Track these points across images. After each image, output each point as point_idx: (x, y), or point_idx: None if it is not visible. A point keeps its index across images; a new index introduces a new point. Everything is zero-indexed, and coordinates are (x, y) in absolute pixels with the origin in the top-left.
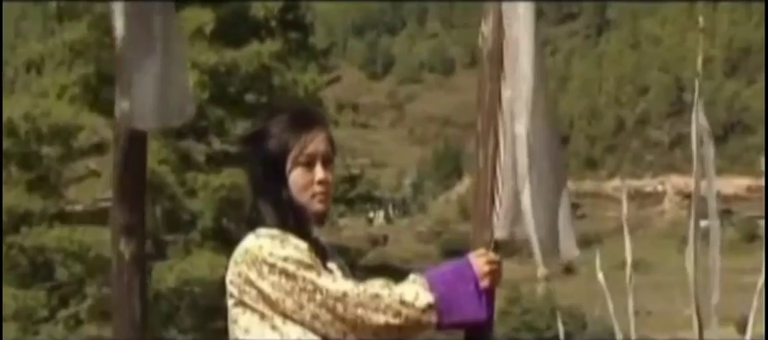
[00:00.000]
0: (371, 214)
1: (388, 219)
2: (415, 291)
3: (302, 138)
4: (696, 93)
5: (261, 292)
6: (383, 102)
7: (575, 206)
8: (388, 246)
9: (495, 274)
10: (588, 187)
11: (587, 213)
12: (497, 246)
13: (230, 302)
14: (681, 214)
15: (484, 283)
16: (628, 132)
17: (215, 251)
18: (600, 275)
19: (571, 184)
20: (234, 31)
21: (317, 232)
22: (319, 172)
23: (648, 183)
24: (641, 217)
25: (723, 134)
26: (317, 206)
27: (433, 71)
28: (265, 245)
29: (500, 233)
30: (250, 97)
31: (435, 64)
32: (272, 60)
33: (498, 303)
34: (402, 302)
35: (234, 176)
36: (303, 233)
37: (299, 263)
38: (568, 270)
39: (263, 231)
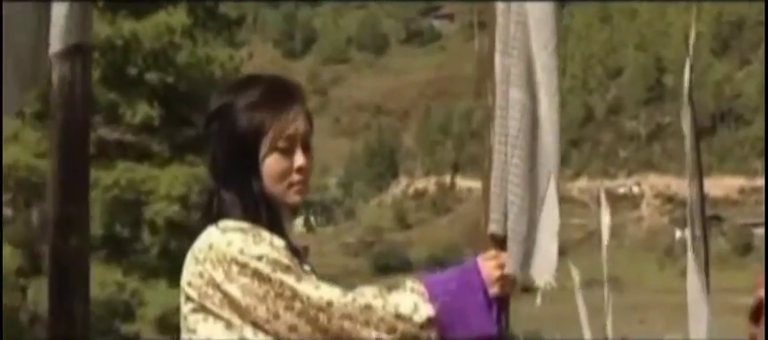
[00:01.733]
0: None
1: (308, 226)
2: (413, 303)
3: (281, 118)
4: (687, 74)
5: (227, 296)
6: (303, 85)
7: None
8: (309, 260)
9: (507, 280)
10: None
11: None
12: (502, 242)
13: (187, 308)
14: (661, 222)
15: (494, 291)
16: (597, 123)
17: (105, 263)
18: (578, 295)
19: None
20: None
21: (288, 228)
22: (299, 157)
23: (622, 184)
24: (614, 224)
25: (711, 125)
26: (293, 198)
27: (361, 49)
28: (235, 240)
29: (494, 227)
30: (152, 76)
31: (365, 40)
32: (181, 34)
33: None
34: (397, 316)
35: (129, 172)
36: (277, 229)
37: (276, 263)
38: (526, 288)
39: (230, 224)
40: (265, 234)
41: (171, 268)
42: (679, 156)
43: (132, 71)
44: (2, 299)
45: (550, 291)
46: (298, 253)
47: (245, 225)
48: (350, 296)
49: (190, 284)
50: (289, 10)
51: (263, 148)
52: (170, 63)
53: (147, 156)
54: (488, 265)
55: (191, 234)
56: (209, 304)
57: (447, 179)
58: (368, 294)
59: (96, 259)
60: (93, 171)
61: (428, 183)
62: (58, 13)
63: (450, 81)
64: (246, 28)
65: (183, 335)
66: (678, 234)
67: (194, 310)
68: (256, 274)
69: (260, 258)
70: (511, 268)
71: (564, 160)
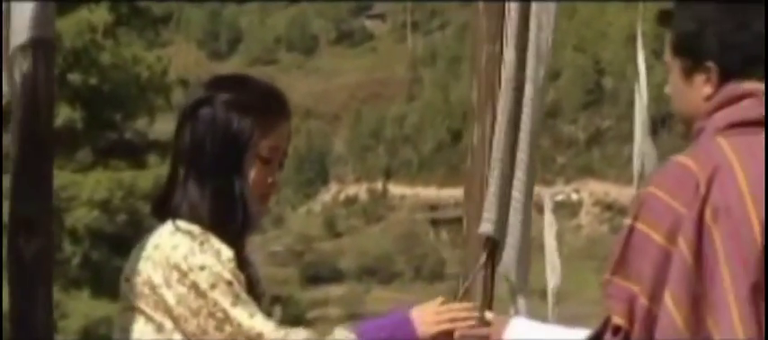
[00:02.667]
0: None
1: None
2: None
3: (275, 128)
4: (641, 74)
5: (162, 301)
6: None
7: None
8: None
9: (444, 324)
10: None
11: None
12: (494, 245)
13: (120, 306)
14: (600, 230)
15: (424, 331)
16: None
17: None
18: (520, 302)
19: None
20: None
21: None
22: (276, 173)
23: (560, 191)
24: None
25: (651, 129)
26: (262, 207)
27: (290, 50)
28: (181, 245)
29: (484, 227)
30: (74, 77)
31: (294, 41)
32: (104, 32)
33: None
34: None
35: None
36: (238, 238)
37: (217, 278)
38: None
39: (182, 225)
40: (215, 242)
41: (93, 278)
42: (619, 162)
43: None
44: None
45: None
46: (250, 265)
47: (196, 229)
48: (282, 332)
49: (127, 280)
50: (213, 8)
51: (250, 152)
52: (93, 63)
53: (68, 160)
54: (427, 320)
55: (113, 243)
56: (142, 304)
57: (379, 185)
58: (301, 334)
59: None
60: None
61: (359, 190)
62: (19, 6)
63: (383, 83)
64: (169, 27)
65: (116, 334)
66: None
67: (126, 309)
68: (194, 287)
69: (202, 269)
70: (511, 273)
71: None
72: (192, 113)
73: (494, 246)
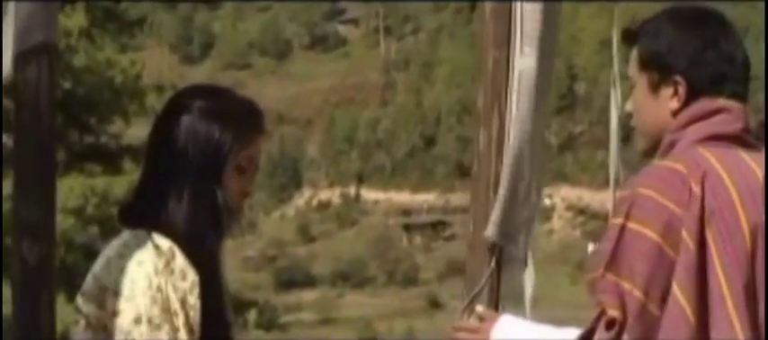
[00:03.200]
0: None
1: None
2: None
3: (252, 139)
4: (615, 79)
5: (116, 313)
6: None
7: (442, 224)
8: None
9: None
10: (458, 201)
11: (457, 233)
12: (500, 251)
13: (77, 322)
14: (573, 235)
15: None
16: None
17: None
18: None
19: (437, 198)
20: None
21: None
22: (250, 183)
23: None
24: None
25: (623, 135)
26: (238, 218)
27: (263, 54)
28: (147, 262)
29: (490, 231)
30: None
31: (267, 45)
32: (78, 35)
33: None
34: None
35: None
36: (215, 248)
37: (165, 312)
38: (434, 303)
39: (155, 238)
40: (180, 261)
41: (67, 285)
42: (591, 166)
43: None
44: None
45: (459, 306)
46: (223, 286)
47: (165, 244)
48: None
49: (83, 294)
50: (186, 12)
51: (230, 163)
52: (67, 67)
53: None
54: None
55: (86, 249)
56: (98, 312)
57: (352, 190)
58: None
59: None
60: None
61: (332, 195)
62: (22, 11)
63: (356, 88)
64: (142, 31)
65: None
66: (591, 247)
67: (77, 323)
68: (144, 313)
69: (159, 291)
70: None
71: None
72: (171, 121)
73: (500, 252)
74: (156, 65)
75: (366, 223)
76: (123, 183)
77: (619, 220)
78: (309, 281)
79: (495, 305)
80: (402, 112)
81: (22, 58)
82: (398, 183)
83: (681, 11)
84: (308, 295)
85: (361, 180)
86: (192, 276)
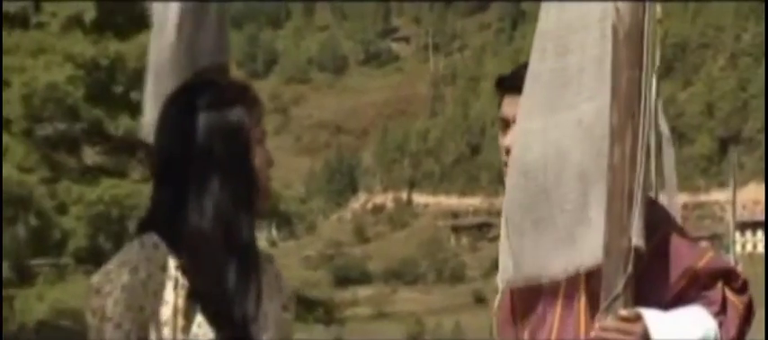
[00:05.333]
0: None
1: (270, 241)
2: None
3: (256, 110)
4: (652, 91)
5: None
6: (265, 104)
7: (487, 226)
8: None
9: None
10: (502, 204)
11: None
12: (638, 256)
13: None
14: None
15: None
16: None
17: (90, 276)
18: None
19: (482, 202)
20: (116, 20)
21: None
22: (267, 151)
23: None
24: None
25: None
26: (268, 191)
27: (322, 70)
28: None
29: (638, 239)
30: (136, 95)
31: (325, 61)
32: None
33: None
34: None
35: (114, 188)
36: (249, 235)
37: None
38: (479, 299)
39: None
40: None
41: None
42: None
43: (117, 89)
44: None
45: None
46: (255, 263)
47: (154, 240)
48: None
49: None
50: (251, 32)
51: (252, 140)
52: None
53: (130, 172)
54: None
55: None
56: None
57: (404, 195)
58: None
59: (81, 271)
60: (78, 187)
61: (386, 199)
62: (197, 31)
63: (407, 101)
64: None
65: None
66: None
67: None
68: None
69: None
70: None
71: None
72: (183, 122)
73: (638, 258)
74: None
75: (417, 225)
76: None
77: None
78: (364, 279)
79: (632, 306)
80: (450, 123)
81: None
82: (447, 188)
83: None
84: (363, 291)
85: (412, 185)
86: (169, 296)
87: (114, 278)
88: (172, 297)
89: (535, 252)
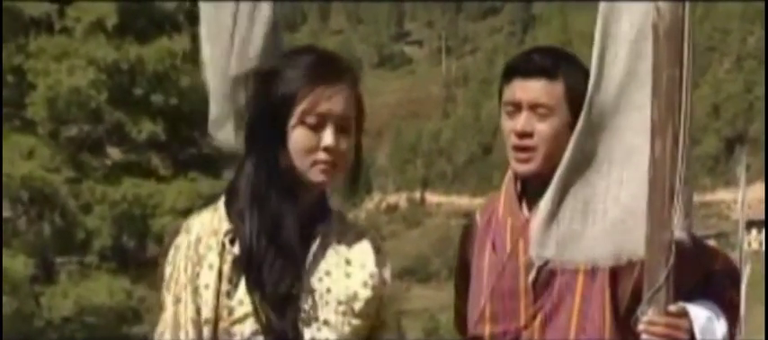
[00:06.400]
0: None
1: None
2: None
3: (317, 92)
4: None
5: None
6: None
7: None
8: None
9: None
10: None
11: None
12: (679, 250)
13: None
14: None
15: None
16: None
17: (114, 274)
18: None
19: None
20: (136, 24)
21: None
22: (328, 137)
23: None
24: None
25: None
26: (318, 176)
27: None
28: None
29: (680, 232)
30: (157, 98)
31: None
32: (182, 58)
33: (414, 334)
34: None
35: (137, 187)
36: (284, 208)
37: (183, 258)
38: None
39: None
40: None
41: None
42: None
43: (138, 92)
44: (1, 306)
45: None
46: (294, 240)
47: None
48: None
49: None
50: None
51: (293, 119)
52: (173, 86)
53: (153, 172)
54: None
55: None
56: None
57: (417, 194)
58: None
59: (106, 269)
60: (102, 187)
61: (399, 199)
62: (257, 35)
63: (420, 102)
64: None
65: None
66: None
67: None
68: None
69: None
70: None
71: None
72: (245, 93)
73: (678, 251)
74: None
75: (430, 224)
76: (224, 186)
77: None
78: None
79: (671, 303)
80: (462, 124)
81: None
82: (459, 187)
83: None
84: None
85: (425, 185)
86: (219, 228)
87: (173, 233)
88: (216, 262)
89: (583, 238)
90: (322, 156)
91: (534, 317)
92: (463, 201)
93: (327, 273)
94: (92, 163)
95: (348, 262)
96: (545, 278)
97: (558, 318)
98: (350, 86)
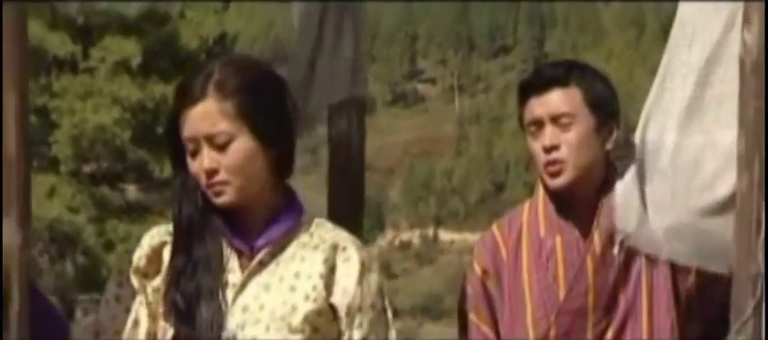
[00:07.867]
0: None
1: None
2: None
3: (184, 116)
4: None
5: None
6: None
7: None
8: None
9: None
10: None
11: None
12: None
13: None
14: None
15: None
16: None
17: None
18: None
19: None
20: (160, 64)
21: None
22: (205, 159)
23: None
24: None
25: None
26: (215, 199)
27: None
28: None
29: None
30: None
31: None
32: None
33: None
34: None
35: (161, 225)
36: (189, 232)
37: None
38: None
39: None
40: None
41: None
42: None
43: (161, 131)
44: None
45: None
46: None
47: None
48: None
49: None
50: (281, 72)
51: (184, 145)
52: None
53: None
54: None
55: None
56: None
57: (430, 232)
58: None
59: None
60: (125, 226)
61: (412, 236)
62: (336, 63)
63: (433, 140)
64: None
65: None
66: None
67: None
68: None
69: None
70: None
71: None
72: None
73: (765, 284)
74: None
75: (443, 261)
76: None
77: None
78: (392, 313)
79: (759, 334)
80: (474, 162)
81: (334, 110)
82: (472, 225)
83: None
84: None
85: (438, 222)
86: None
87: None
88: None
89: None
90: (204, 179)
91: (604, 332)
92: (476, 238)
93: (266, 288)
94: (112, 198)
95: (297, 275)
96: (610, 292)
97: (627, 331)
98: (218, 99)
